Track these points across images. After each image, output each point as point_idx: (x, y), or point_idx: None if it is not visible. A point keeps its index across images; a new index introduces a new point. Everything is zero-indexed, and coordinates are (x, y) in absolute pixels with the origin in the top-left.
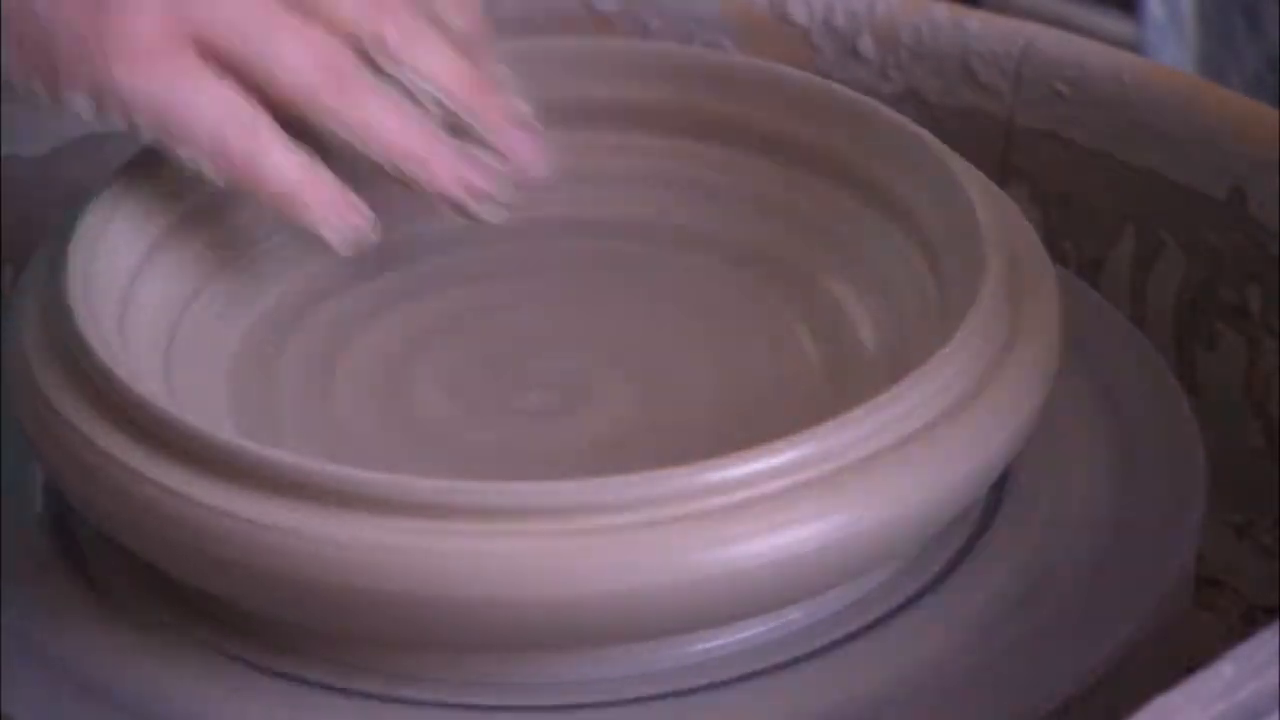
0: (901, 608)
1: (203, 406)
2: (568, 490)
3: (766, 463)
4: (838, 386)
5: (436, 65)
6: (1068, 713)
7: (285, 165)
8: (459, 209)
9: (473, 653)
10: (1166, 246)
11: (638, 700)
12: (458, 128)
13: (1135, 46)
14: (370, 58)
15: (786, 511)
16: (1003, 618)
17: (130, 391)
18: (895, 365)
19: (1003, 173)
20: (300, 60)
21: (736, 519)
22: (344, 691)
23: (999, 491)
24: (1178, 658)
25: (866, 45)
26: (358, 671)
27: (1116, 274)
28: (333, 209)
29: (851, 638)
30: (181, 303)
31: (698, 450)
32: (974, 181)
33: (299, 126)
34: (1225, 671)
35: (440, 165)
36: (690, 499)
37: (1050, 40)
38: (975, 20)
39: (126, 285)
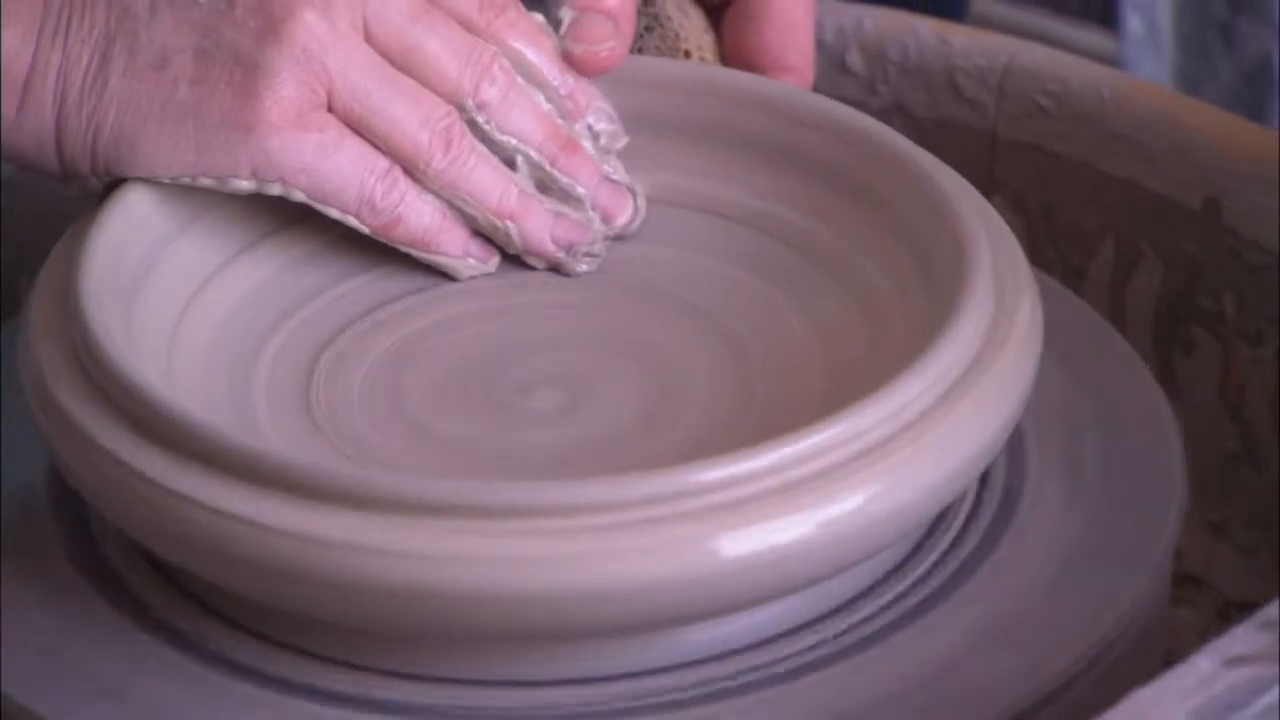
0: (889, 606)
1: (201, 399)
2: (567, 490)
3: (757, 462)
4: (834, 387)
5: (529, 125)
6: (1049, 705)
7: (423, 212)
8: (551, 263)
9: (499, 646)
10: (1145, 255)
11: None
12: (542, 183)
13: (1114, 62)
14: (469, 117)
15: (776, 508)
16: (984, 613)
17: (133, 385)
18: (885, 366)
19: (987, 184)
20: (415, 123)
21: (730, 516)
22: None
23: (982, 490)
24: (1156, 652)
25: (855, 61)
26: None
27: (1098, 281)
28: (463, 248)
29: (854, 644)
30: (187, 297)
31: (698, 450)
32: (958, 190)
33: None
34: (1202, 665)
35: (533, 224)
36: (682, 498)
37: (1032, 56)
38: (960, 36)
39: (138, 279)
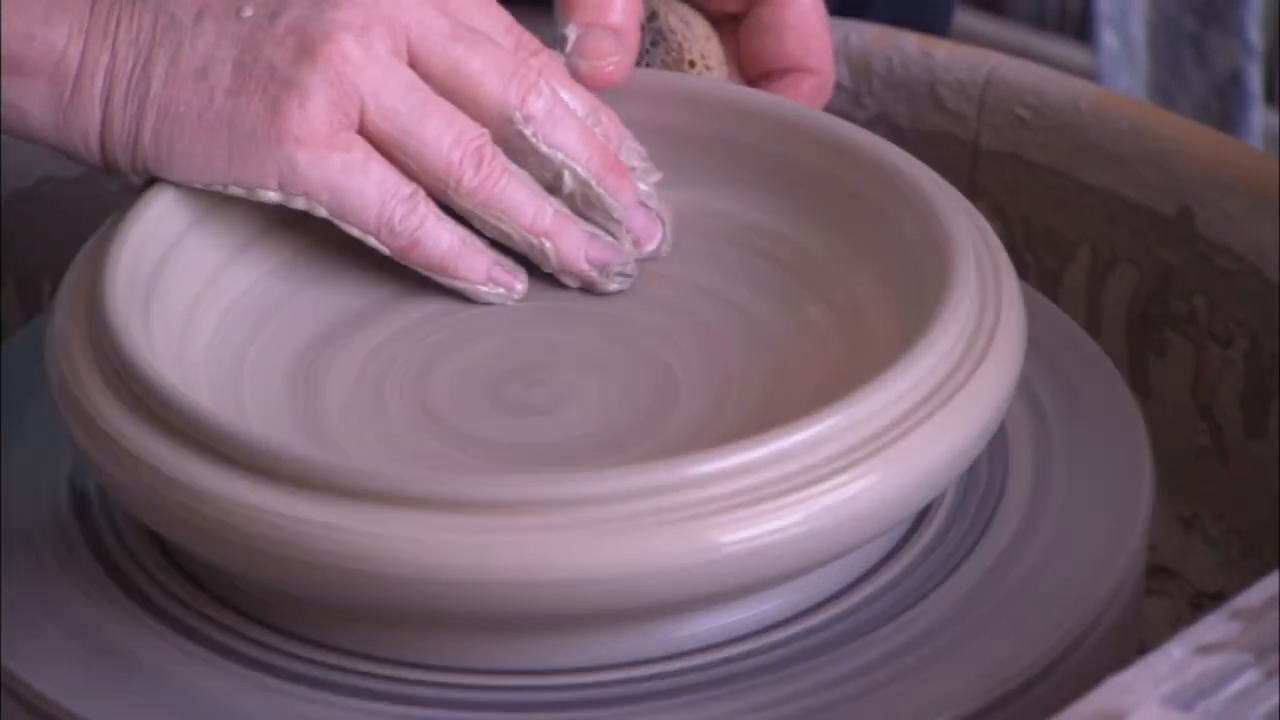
0: (876, 600)
1: (205, 394)
2: (567, 483)
3: (750, 456)
4: (825, 388)
5: (575, 141)
6: (1028, 691)
7: (441, 238)
8: (585, 282)
9: (494, 636)
10: (1120, 260)
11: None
12: (586, 200)
13: (1091, 74)
14: (507, 137)
15: (769, 501)
16: (965, 603)
17: (154, 385)
18: (874, 368)
19: (969, 192)
20: (447, 142)
21: (724, 507)
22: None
23: (965, 488)
24: (1130, 640)
25: (841, 74)
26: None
27: (1074, 286)
28: (485, 274)
29: (843, 636)
30: (195, 293)
31: (693, 447)
32: (946, 197)
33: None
34: (1174, 653)
35: (569, 243)
36: (677, 490)
37: (1012, 69)
38: (942, 50)
39: (153, 279)
